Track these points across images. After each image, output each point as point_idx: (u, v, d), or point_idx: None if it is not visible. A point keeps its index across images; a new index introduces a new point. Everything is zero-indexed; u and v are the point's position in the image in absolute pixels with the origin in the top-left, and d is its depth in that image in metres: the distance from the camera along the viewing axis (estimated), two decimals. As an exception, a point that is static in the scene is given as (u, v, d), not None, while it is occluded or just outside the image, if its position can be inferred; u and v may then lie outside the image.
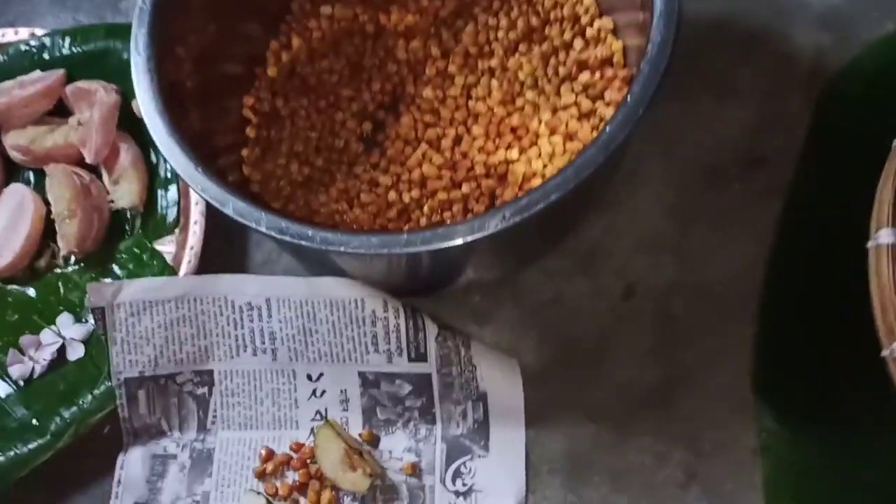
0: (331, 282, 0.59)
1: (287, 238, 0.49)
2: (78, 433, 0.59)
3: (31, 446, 0.59)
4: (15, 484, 0.59)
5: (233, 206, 0.50)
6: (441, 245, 0.48)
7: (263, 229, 0.50)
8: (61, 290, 0.65)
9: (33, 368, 0.62)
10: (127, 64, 0.66)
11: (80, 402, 0.60)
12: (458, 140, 0.63)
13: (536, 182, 0.60)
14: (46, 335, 0.63)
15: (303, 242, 0.49)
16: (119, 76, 0.67)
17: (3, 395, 0.62)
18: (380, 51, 0.66)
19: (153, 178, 0.66)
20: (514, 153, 0.61)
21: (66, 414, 0.60)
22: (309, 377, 0.61)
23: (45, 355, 0.62)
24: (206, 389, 0.61)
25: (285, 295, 0.60)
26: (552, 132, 0.61)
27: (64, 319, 0.63)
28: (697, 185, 0.62)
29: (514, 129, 0.62)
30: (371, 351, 0.59)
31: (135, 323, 0.60)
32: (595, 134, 0.60)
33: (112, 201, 0.65)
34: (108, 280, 0.64)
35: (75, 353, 0.62)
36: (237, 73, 0.66)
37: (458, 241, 0.47)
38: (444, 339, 0.59)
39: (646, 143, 0.62)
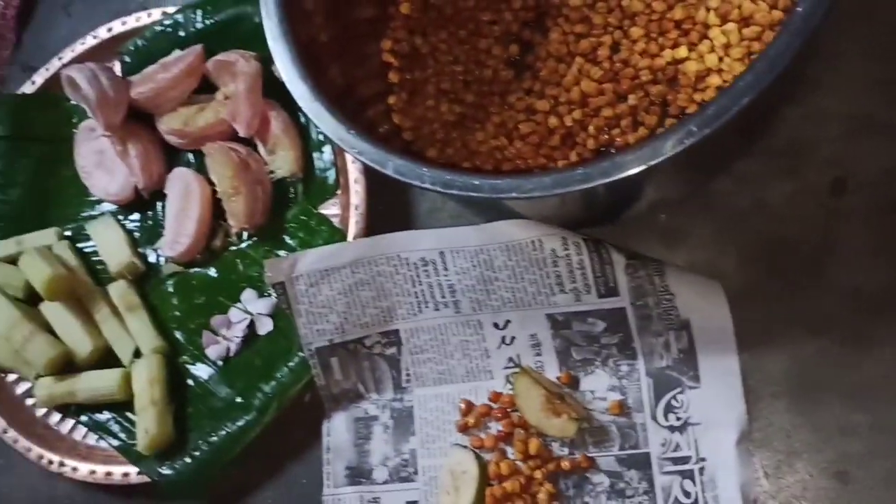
0: (503, 225, 0.56)
1: (454, 192, 0.46)
2: (281, 405, 0.61)
3: (239, 423, 0.61)
4: (233, 461, 0.61)
5: (393, 166, 0.48)
6: (622, 174, 0.43)
7: (428, 185, 0.47)
8: (240, 267, 0.65)
9: (228, 347, 0.63)
10: (260, 27, 0.64)
11: (278, 376, 0.61)
12: (615, 47, 0.58)
13: (713, 80, 0.54)
14: (234, 313, 0.64)
15: (472, 194, 0.46)
16: (255, 41, 0.65)
17: (205, 377, 0.64)
18: (516, -37, 0.61)
19: (307, 143, 0.65)
20: (682, 51, 0.55)
21: (267, 388, 0.61)
22: (496, 325, 0.58)
23: (237, 333, 0.63)
24: (395, 349, 0.60)
25: (458, 245, 0.57)
26: (723, 20, 0.54)
27: (248, 295, 0.64)
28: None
29: (678, 24, 0.56)
30: (557, 291, 0.56)
31: (315, 293, 0.59)
32: (775, 14, 0.53)
33: (272, 172, 0.64)
34: (281, 252, 0.64)
35: (264, 327, 0.63)
36: (370, 17, 0.63)
37: (641, 168, 0.43)
38: (633, 269, 0.54)
39: (842, 10, 0.54)
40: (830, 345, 0.52)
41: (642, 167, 0.43)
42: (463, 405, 0.59)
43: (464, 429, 0.58)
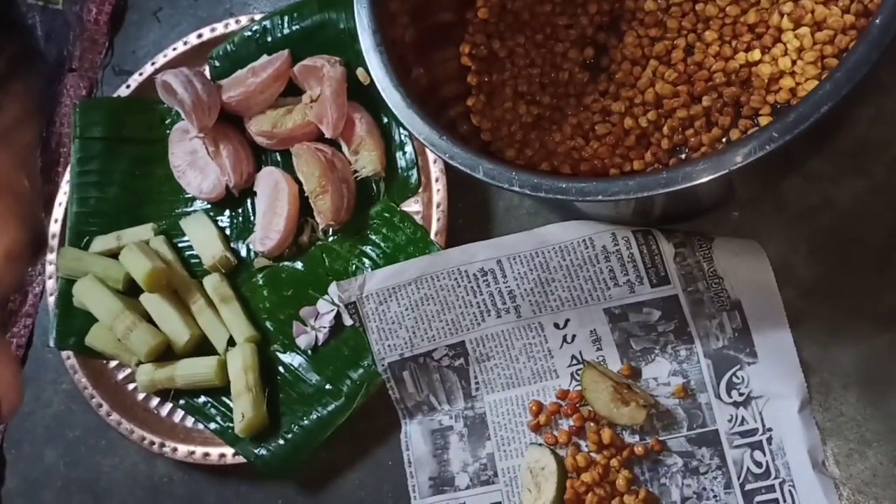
0: (556, 228, 0.59)
1: (542, 194, 0.49)
2: (369, 392, 0.64)
3: (329, 408, 0.65)
4: (323, 444, 0.65)
5: (483, 170, 0.51)
6: (703, 179, 0.46)
7: (517, 188, 0.50)
8: (326, 261, 0.69)
9: (316, 337, 0.67)
10: (344, 33, 0.68)
11: (365, 364, 0.65)
12: (689, 50, 0.59)
13: (786, 82, 0.56)
14: (322, 305, 0.68)
15: (559, 196, 0.49)
16: (339, 46, 0.70)
17: (295, 365, 0.68)
18: (591, -32, 0.63)
19: (389, 143, 0.68)
20: (755, 54, 0.57)
21: (355, 376, 0.65)
22: (556, 325, 0.61)
23: (325, 323, 0.67)
24: (462, 360, 0.63)
25: (514, 252, 0.60)
26: (797, 24, 0.56)
27: (334, 289, 0.67)
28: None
29: (751, 28, 0.58)
30: (611, 286, 0.59)
31: (384, 310, 0.63)
32: (847, 18, 0.54)
33: (356, 171, 0.68)
34: (367, 248, 0.67)
35: (350, 318, 0.67)
36: (449, 21, 0.66)
37: (721, 172, 0.45)
38: (682, 257, 0.57)
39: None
40: (901, 338, 0.54)
41: (723, 172, 0.45)
42: (533, 406, 0.61)
43: (536, 428, 0.61)
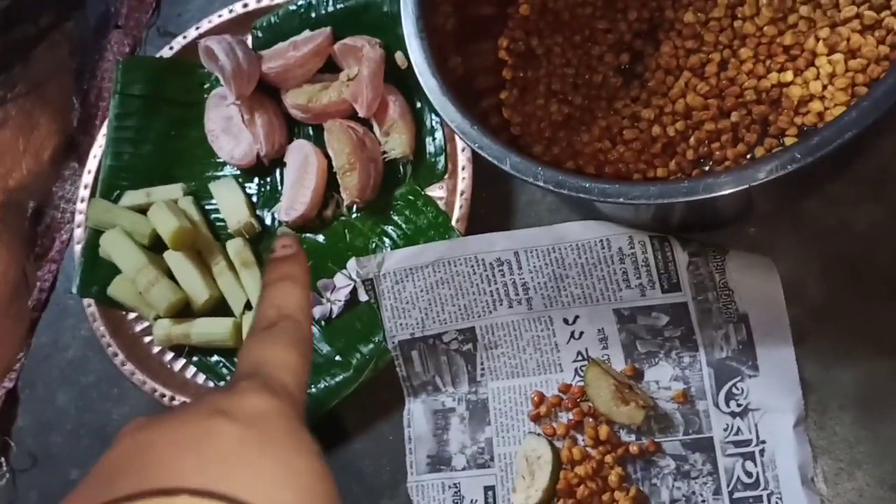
0: (575, 226, 0.61)
1: (565, 192, 0.50)
2: (377, 367, 0.66)
3: (337, 379, 0.67)
4: (329, 412, 0.67)
5: (510, 163, 0.52)
6: (723, 192, 0.47)
7: (541, 183, 0.51)
8: (347, 237, 0.71)
9: (331, 309, 0.69)
10: (387, 16, 0.70)
11: (376, 340, 0.67)
12: (723, 65, 0.61)
13: (815, 105, 0.57)
14: (339, 278, 0.69)
15: (581, 195, 0.50)
16: (380, 28, 0.71)
17: (309, 334, 0.69)
18: (635, -24, 0.64)
19: (420, 128, 0.70)
20: (787, 75, 0.58)
21: (365, 350, 0.67)
22: (565, 321, 0.63)
23: (340, 297, 0.69)
24: (470, 345, 0.65)
25: (532, 245, 0.62)
26: (831, 50, 0.57)
27: (352, 264, 0.69)
28: None
29: (786, 49, 0.59)
30: (623, 287, 0.60)
31: (400, 290, 0.65)
32: (882, 49, 0.55)
33: (384, 152, 0.69)
34: (388, 227, 0.69)
35: (365, 294, 0.68)
36: (490, 14, 0.67)
37: (742, 187, 0.46)
38: (695, 266, 0.58)
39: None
40: (900, 364, 0.55)
41: (743, 186, 0.46)
42: (535, 396, 0.63)
43: (536, 419, 0.63)
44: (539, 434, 0.62)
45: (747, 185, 0.46)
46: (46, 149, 0.83)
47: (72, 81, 0.84)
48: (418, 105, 0.70)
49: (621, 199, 0.49)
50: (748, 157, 0.59)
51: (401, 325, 0.65)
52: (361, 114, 0.69)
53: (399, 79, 0.70)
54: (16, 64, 0.80)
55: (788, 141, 0.58)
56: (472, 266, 0.63)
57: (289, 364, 0.40)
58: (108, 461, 0.33)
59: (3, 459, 0.78)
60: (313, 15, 0.74)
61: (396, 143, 0.69)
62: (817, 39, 0.57)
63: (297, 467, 0.33)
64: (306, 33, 0.73)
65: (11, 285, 0.80)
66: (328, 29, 0.72)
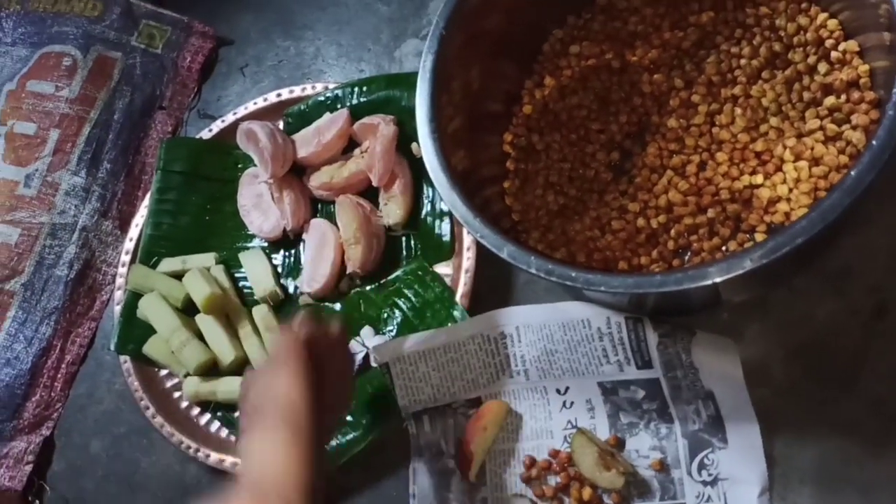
0: (562, 306, 0.67)
1: (553, 279, 0.57)
2: (386, 430, 0.72)
3: (348, 437, 0.73)
4: (339, 468, 0.73)
5: (507, 251, 0.59)
6: (693, 285, 0.53)
7: (533, 270, 0.58)
8: (362, 307, 0.77)
9: (345, 373, 0.75)
10: (405, 110, 0.77)
11: (386, 404, 0.72)
12: (702, 166, 0.67)
13: (782, 206, 0.63)
14: (353, 345, 0.76)
15: (567, 282, 0.57)
16: (397, 115, 0.79)
17: (324, 395, 0.76)
18: (625, 85, 0.72)
19: (424, 206, 0.77)
20: (758, 178, 0.64)
21: (375, 413, 0.73)
22: (558, 391, 0.69)
23: (354, 362, 0.75)
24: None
25: (528, 321, 0.68)
26: (797, 157, 0.63)
27: (366, 331, 0.76)
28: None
29: (758, 155, 0.65)
30: (604, 363, 0.67)
31: (413, 371, 0.71)
32: (842, 158, 0.62)
33: (380, 215, 0.77)
34: (399, 300, 0.75)
35: (375, 363, 0.75)
36: (497, 112, 0.75)
37: (709, 282, 0.52)
38: (664, 346, 0.64)
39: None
40: (854, 445, 0.60)
41: (708, 282, 0.53)
42: (527, 460, 0.68)
43: (527, 480, 0.68)
44: (524, 495, 0.67)
45: (710, 282, 0.52)
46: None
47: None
48: (427, 189, 0.78)
49: (602, 288, 0.56)
50: (723, 248, 0.65)
51: (414, 400, 0.71)
52: (375, 183, 0.76)
53: (409, 150, 0.78)
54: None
55: (759, 237, 0.64)
56: (479, 343, 0.70)
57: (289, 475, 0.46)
58: None
59: (38, 502, 0.84)
60: (339, 106, 0.82)
61: (392, 213, 0.76)
62: (785, 147, 0.64)
63: None
64: (327, 115, 0.81)
65: None
66: (345, 110, 0.80)
